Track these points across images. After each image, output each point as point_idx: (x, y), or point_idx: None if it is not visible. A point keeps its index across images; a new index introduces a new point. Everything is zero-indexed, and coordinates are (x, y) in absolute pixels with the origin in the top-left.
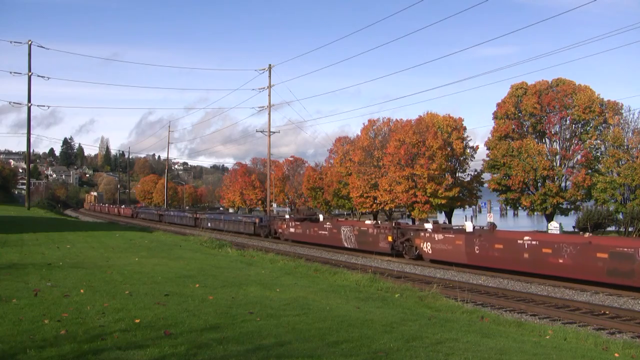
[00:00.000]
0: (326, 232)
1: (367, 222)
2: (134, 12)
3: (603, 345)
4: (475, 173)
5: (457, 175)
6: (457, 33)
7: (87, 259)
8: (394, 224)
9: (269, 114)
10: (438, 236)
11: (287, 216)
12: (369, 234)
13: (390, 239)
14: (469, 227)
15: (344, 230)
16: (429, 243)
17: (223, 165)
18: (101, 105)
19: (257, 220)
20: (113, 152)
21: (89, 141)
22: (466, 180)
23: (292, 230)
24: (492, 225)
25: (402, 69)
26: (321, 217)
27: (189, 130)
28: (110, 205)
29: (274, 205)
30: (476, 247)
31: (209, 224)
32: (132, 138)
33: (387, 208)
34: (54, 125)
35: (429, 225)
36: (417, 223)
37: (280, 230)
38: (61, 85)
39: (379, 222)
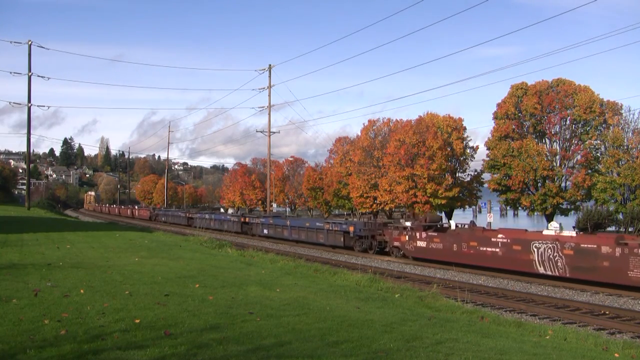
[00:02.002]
0: (498, 250)
1: (580, 233)
2: (136, 13)
3: (603, 345)
4: (475, 173)
5: (457, 175)
6: (458, 33)
7: (87, 259)
8: None
9: (269, 114)
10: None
11: (406, 223)
12: (599, 254)
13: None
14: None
15: (538, 248)
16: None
17: (223, 165)
18: (103, 106)
19: (350, 229)
20: (113, 152)
21: (91, 141)
22: (466, 180)
23: (420, 244)
24: (472, 224)
25: (403, 69)
26: (453, 224)
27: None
28: (120, 206)
29: (274, 205)
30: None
31: (266, 231)
32: (134, 138)
33: (387, 208)
34: (56, 125)
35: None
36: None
37: (397, 244)
38: (64, 85)
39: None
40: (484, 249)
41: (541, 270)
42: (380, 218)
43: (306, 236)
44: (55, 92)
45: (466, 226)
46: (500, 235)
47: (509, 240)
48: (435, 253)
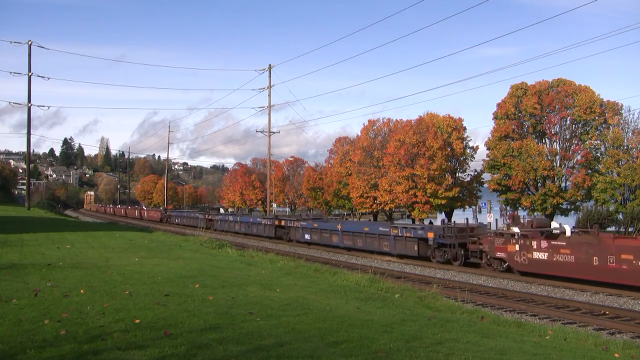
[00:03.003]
0: None
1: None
2: (138, 14)
3: (603, 345)
4: (475, 173)
5: (457, 175)
6: (458, 33)
7: (87, 259)
8: None
9: (269, 114)
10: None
11: (514, 229)
12: None
13: None
14: (567, 231)
15: None
16: None
17: (223, 165)
18: (105, 106)
19: (429, 235)
20: (113, 152)
21: (93, 141)
22: (466, 180)
23: (539, 256)
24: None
25: (403, 69)
26: (568, 230)
27: (191, 130)
28: (127, 206)
29: (274, 205)
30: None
31: (307, 236)
32: (135, 138)
33: (387, 208)
34: (58, 126)
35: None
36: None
37: (501, 255)
38: (65, 85)
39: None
40: None
41: None
42: (380, 218)
43: (364, 243)
44: (56, 92)
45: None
46: None
47: None
48: (563, 268)
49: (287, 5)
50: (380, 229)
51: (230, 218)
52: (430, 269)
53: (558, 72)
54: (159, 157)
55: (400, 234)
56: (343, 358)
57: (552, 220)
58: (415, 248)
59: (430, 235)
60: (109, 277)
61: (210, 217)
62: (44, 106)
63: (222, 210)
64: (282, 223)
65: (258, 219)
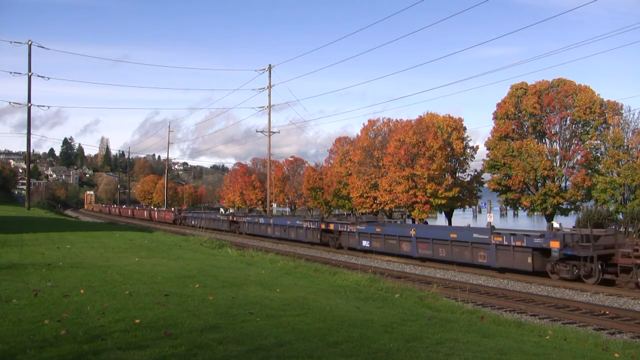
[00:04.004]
0: None
1: None
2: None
3: (603, 345)
4: (475, 173)
5: (457, 175)
6: (458, 33)
7: (87, 259)
8: None
9: (269, 114)
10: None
11: None
12: None
13: None
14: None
15: None
16: None
17: (223, 165)
18: (106, 106)
19: (553, 245)
20: (113, 152)
21: (94, 141)
22: (466, 180)
23: None
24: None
25: (404, 69)
26: None
27: (192, 130)
28: (134, 207)
29: (274, 205)
30: None
31: (366, 243)
32: (136, 138)
33: (387, 208)
34: (59, 125)
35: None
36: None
37: None
38: (67, 85)
39: None
40: None
41: None
42: (380, 218)
43: (449, 253)
44: (58, 92)
45: None
46: None
47: None
48: None
49: (288, 5)
50: (476, 235)
51: (261, 220)
52: (430, 269)
53: (558, 72)
54: (159, 157)
55: (505, 243)
56: (343, 358)
57: (552, 220)
58: (529, 261)
59: (555, 244)
60: (109, 277)
61: (234, 219)
62: (44, 106)
63: (222, 211)
64: (331, 227)
65: (298, 222)
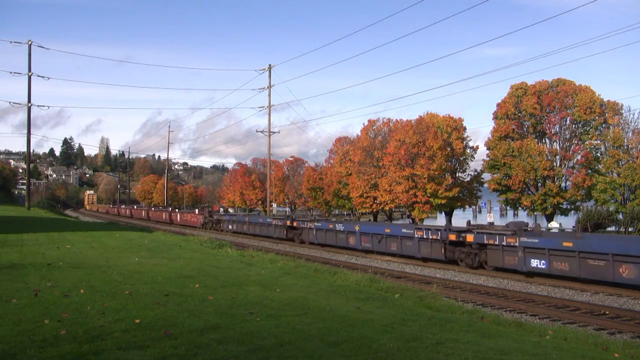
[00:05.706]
0: None
1: None
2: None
3: (603, 345)
4: (475, 173)
5: (457, 175)
6: (458, 33)
7: (87, 259)
8: None
9: (269, 114)
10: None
11: None
12: None
13: None
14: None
15: None
16: None
17: (223, 165)
18: (108, 106)
19: None
20: (113, 152)
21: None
22: (466, 180)
23: None
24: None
25: (405, 68)
26: None
27: (193, 130)
28: (150, 208)
29: (274, 205)
30: None
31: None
32: (137, 138)
33: (387, 208)
34: (61, 126)
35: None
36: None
37: None
38: (68, 85)
39: None
40: None
41: None
42: (380, 218)
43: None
44: (59, 92)
45: None
46: None
47: None
48: None
49: (288, 5)
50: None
51: (340, 227)
52: (430, 269)
53: (558, 72)
54: (159, 157)
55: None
56: (343, 358)
57: (552, 220)
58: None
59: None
60: (109, 277)
61: (294, 224)
62: (44, 106)
63: (221, 211)
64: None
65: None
